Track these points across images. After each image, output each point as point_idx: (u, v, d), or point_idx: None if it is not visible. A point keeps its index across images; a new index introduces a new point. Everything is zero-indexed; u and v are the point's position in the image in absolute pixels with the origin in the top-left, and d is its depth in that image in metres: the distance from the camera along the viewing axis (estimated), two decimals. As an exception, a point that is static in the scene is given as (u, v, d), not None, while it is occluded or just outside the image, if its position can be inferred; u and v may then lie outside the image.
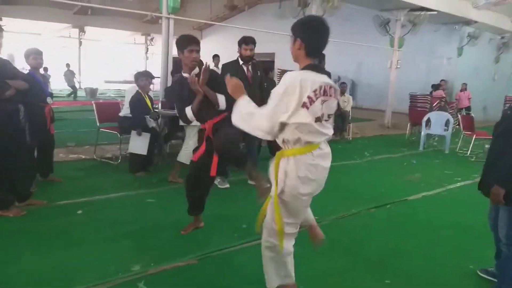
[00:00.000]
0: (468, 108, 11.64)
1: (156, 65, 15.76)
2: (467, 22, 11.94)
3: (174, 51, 7.18)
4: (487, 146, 8.20)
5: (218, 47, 16.91)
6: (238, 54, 4.70)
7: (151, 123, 5.39)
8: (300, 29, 2.08)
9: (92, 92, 16.88)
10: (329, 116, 2.09)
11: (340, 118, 8.46)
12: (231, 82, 2.19)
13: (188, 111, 3.11)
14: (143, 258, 2.96)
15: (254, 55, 4.68)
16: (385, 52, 11.26)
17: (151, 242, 3.29)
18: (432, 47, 12.88)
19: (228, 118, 3.03)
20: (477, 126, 8.26)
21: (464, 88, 12.18)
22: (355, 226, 3.89)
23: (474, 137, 7.75)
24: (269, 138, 2.10)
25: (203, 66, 3.06)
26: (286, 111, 1.97)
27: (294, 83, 1.96)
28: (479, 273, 3.04)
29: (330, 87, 2.06)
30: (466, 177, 6.06)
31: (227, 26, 13.28)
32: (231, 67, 4.68)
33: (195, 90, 3.01)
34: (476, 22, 11.74)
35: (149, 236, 3.40)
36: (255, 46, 4.62)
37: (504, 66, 14.91)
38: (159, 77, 7.13)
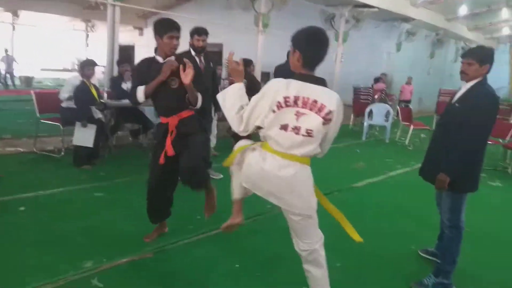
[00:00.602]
0: (408, 101, 12.34)
1: (97, 53, 15.08)
2: (406, 19, 12.58)
3: (120, 39, 6.95)
4: (423, 135, 8.81)
5: (164, 36, 16.51)
6: (190, 45, 4.62)
7: (97, 114, 5.18)
8: (300, 41, 2.05)
9: (27, 81, 15.81)
10: (307, 131, 1.98)
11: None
12: (237, 67, 2.18)
13: (140, 91, 2.85)
14: (95, 254, 2.87)
15: (206, 46, 4.63)
16: (331, 46, 11.58)
17: (103, 237, 3.20)
18: (373, 42, 13.45)
19: (195, 118, 2.98)
20: (413, 116, 8.82)
21: (409, 82, 12.83)
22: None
23: (411, 127, 8.25)
24: (242, 134, 2.15)
25: (188, 64, 2.86)
26: (259, 116, 2.03)
27: (271, 87, 2.01)
28: (420, 253, 3.29)
29: (315, 101, 1.96)
30: (405, 165, 6.46)
31: (173, 14, 12.96)
32: (182, 58, 4.59)
33: (161, 76, 2.82)
34: (413, 19, 12.39)
35: (100, 231, 3.29)
36: (207, 36, 4.56)
37: (438, 61, 15.95)
38: (103, 66, 6.85)
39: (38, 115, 5.48)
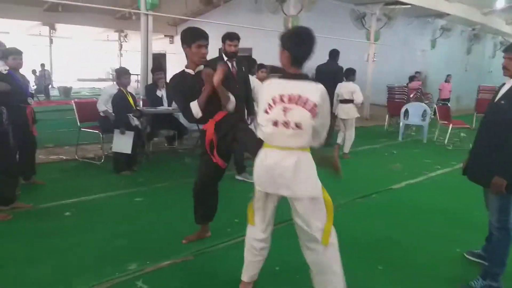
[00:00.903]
0: (447, 100, 11.97)
1: (130, 62, 15.51)
2: (440, 15, 12.25)
3: (153, 48, 7.12)
4: (462, 134, 8.50)
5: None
6: (221, 50, 4.67)
7: (134, 121, 5.32)
8: (287, 40, 2.17)
9: (66, 91, 16.45)
10: (296, 125, 2.11)
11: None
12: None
13: (194, 106, 2.82)
14: (139, 257, 2.94)
15: (238, 51, 4.67)
16: (362, 45, 11.42)
17: (145, 240, 3.27)
18: (406, 40, 13.15)
19: (232, 117, 2.98)
20: (451, 115, 8.52)
21: (448, 80, 12.49)
22: (344, 216, 3.96)
23: (450, 126, 7.98)
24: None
25: (218, 66, 2.83)
26: (259, 114, 2.25)
27: (263, 90, 2.23)
28: (466, 256, 3.16)
29: (299, 96, 2.10)
30: (445, 165, 6.25)
31: (203, 21, 13.18)
32: (216, 64, 4.64)
33: (206, 86, 2.80)
34: (448, 14, 12.05)
35: (142, 235, 3.38)
36: (239, 42, 4.60)
37: (475, 57, 15.40)
38: (137, 74, 7.03)
39: (79, 123, 5.70)
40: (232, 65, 4.61)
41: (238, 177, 5.04)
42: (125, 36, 21.88)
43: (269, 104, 2.16)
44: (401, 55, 13.27)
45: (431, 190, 5.04)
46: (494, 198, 2.65)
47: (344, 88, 6.47)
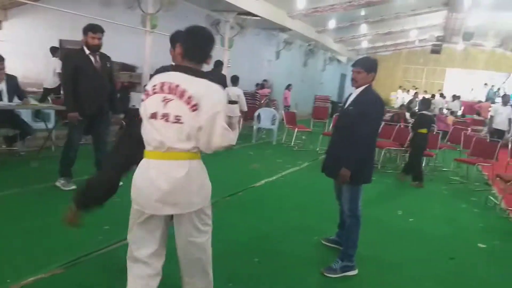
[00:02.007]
0: (289, 106, 13.32)
1: None
2: (283, 29, 13.57)
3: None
4: (304, 137, 9.62)
5: (28, 31, 14.80)
6: (83, 42, 4.30)
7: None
8: (181, 35, 2.16)
9: None
10: (176, 118, 1.90)
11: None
12: None
13: None
14: (-5, 277, 2.52)
15: (102, 44, 4.38)
16: (217, 51, 11.83)
17: (3, 255, 2.81)
18: (255, 49, 14.14)
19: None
20: (293, 120, 9.60)
21: (290, 88, 13.91)
22: (217, 214, 4.10)
23: (296, 130, 8.96)
24: None
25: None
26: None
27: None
28: (323, 242, 3.65)
29: (177, 86, 1.92)
30: (294, 164, 7.00)
31: (43, 6, 11.69)
32: (76, 57, 4.27)
33: None
34: (290, 29, 13.44)
35: (-7, 251, 2.89)
36: (103, 35, 4.31)
37: (310, 69, 17.53)
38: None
39: None
40: (96, 59, 4.30)
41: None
42: None
43: (147, 92, 2.00)
44: (250, 63, 14.21)
45: (286, 186, 5.60)
46: (345, 190, 3.12)
47: (231, 91, 7.51)
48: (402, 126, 7.89)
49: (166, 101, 1.91)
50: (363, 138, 2.96)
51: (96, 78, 4.26)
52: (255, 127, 9.25)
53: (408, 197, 5.77)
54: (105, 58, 4.43)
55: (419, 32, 17.39)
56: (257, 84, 12.72)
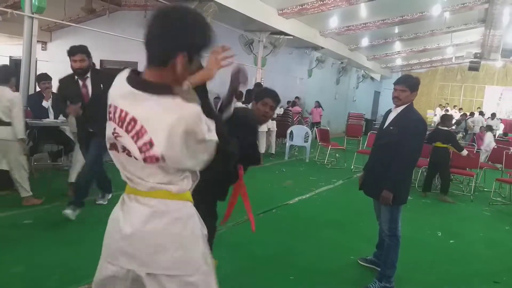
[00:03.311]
0: (318, 124, 13.28)
1: None
2: (316, 48, 13.66)
3: (37, 54, 6.43)
4: (337, 155, 9.54)
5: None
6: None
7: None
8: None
9: None
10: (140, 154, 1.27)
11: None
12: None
13: None
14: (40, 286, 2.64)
15: (88, 66, 3.93)
16: (249, 70, 12.05)
17: (44, 267, 2.94)
18: (287, 67, 14.28)
19: None
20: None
21: (317, 105, 13.89)
22: (250, 231, 4.13)
23: (329, 147, 8.91)
24: None
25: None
26: None
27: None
28: (360, 262, 3.58)
29: (133, 120, 1.25)
30: (327, 182, 6.95)
31: (83, 28, 12.36)
32: (67, 83, 4.01)
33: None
34: (322, 48, 13.51)
35: (39, 260, 3.02)
36: (88, 56, 3.93)
37: (343, 87, 17.47)
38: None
39: None
40: (84, 84, 3.93)
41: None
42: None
43: (109, 112, 1.35)
44: (283, 81, 14.34)
45: (320, 204, 5.56)
46: (385, 209, 3.07)
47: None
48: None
49: (116, 135, 1.32)
50: (405, 159, 2.90)
51: (82, 105, 3.88)
52: (287, 145, 9.27)
53: (448, 218, 5.57)
54: (97, 79, 3.94)
55: (455, 49, 17.02)
56: (289, 102, 12.78)
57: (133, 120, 1.25)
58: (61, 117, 5.72)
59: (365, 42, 14.03)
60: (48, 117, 5.54)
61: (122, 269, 1.37)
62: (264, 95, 2.63)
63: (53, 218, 3.94)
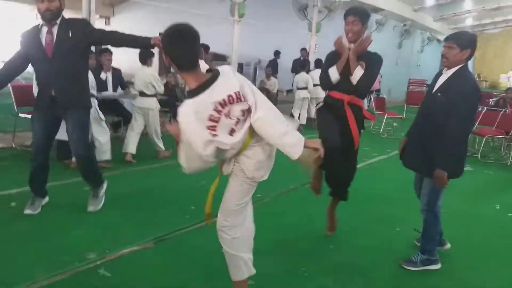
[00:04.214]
0: (378, 91, 12.74)
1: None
2: (375, 10, 12.92)
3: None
4: (395, 124, 9.15)
5: (133, 25, 16.16)
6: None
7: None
8: (165, 44, 1.87)
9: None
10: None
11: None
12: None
13: (333, 71, 3.07)
14: (97, 246, 2.89)
15: (58, 9, 3.05)
16: (303, 36, 11.73)
17: (100, 230, 3.22)
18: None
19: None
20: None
21: None
22: (296, 201, 4.18)
23: (385, 116, 8.56)
24: None
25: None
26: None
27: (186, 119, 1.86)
28: (416, 243, 3.27)
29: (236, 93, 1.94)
30: (381, 152, 6.74)
31: (143, 2, 12.69)
32: (27, 36, 3.17)
33: (342, 50, 3.12)
34: (383, 9, 12.76)
35: (97, 224, 3.31)
36: None
37: (405, 51, 16.47)
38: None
39: (16, 109, 5.33)
40: (50, 32, 3.11)
41: None
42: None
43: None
44: (340, 47, 13.85)
45: (371, 175, 5.42)
46: (427, 182, 2.81)
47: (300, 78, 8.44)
48: (509, 112, 7.08)
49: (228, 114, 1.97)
50: (457, 131, 2.60)
51: (44, 61, 3.12)
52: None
53: (510, 190, 5.20)
54: (70, 26, 3.12)
55: (536, 4, 15.23)
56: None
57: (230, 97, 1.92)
58: (119, 90, 6.05)
59: (431, 1, 12.99)
60: (107, 89, 5.85)
61: None
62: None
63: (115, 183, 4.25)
